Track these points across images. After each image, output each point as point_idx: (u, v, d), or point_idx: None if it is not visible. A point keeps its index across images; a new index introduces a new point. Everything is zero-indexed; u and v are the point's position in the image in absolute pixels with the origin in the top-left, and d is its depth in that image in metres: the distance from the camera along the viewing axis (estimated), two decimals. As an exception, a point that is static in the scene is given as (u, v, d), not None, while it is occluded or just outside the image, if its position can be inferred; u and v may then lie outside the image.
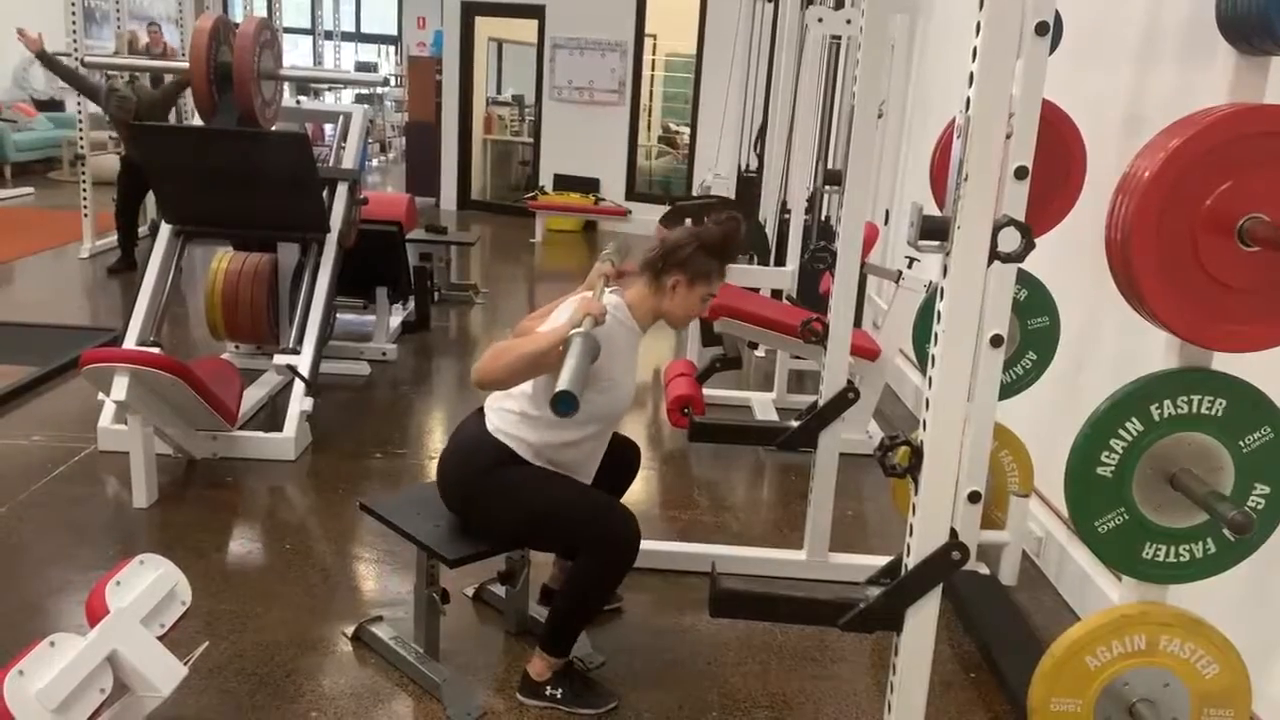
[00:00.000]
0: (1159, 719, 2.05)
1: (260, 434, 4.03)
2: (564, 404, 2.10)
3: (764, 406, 4.86)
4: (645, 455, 4.31)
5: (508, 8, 10.63)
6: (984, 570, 3.28)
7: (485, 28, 11.12)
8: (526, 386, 2.46)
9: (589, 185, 10.40)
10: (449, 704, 2.50)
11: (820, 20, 4.59)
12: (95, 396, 4.04)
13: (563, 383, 2.11)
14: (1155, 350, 2.97)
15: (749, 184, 8.65)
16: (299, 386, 4.09)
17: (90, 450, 3.96)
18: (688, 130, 11.35)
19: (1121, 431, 2.00)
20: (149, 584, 2.23)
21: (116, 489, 3.69)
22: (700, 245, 2.48)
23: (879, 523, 3.79)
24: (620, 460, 2.77)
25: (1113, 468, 2.01)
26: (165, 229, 4.36)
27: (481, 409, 2.60)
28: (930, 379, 2.03)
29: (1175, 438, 1.98)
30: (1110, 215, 1.89)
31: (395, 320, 5.75)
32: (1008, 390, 3.15)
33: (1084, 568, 3.19)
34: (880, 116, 3.02)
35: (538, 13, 10.38)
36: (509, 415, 2.49)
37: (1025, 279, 3.09)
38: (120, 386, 3.32)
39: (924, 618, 2.10)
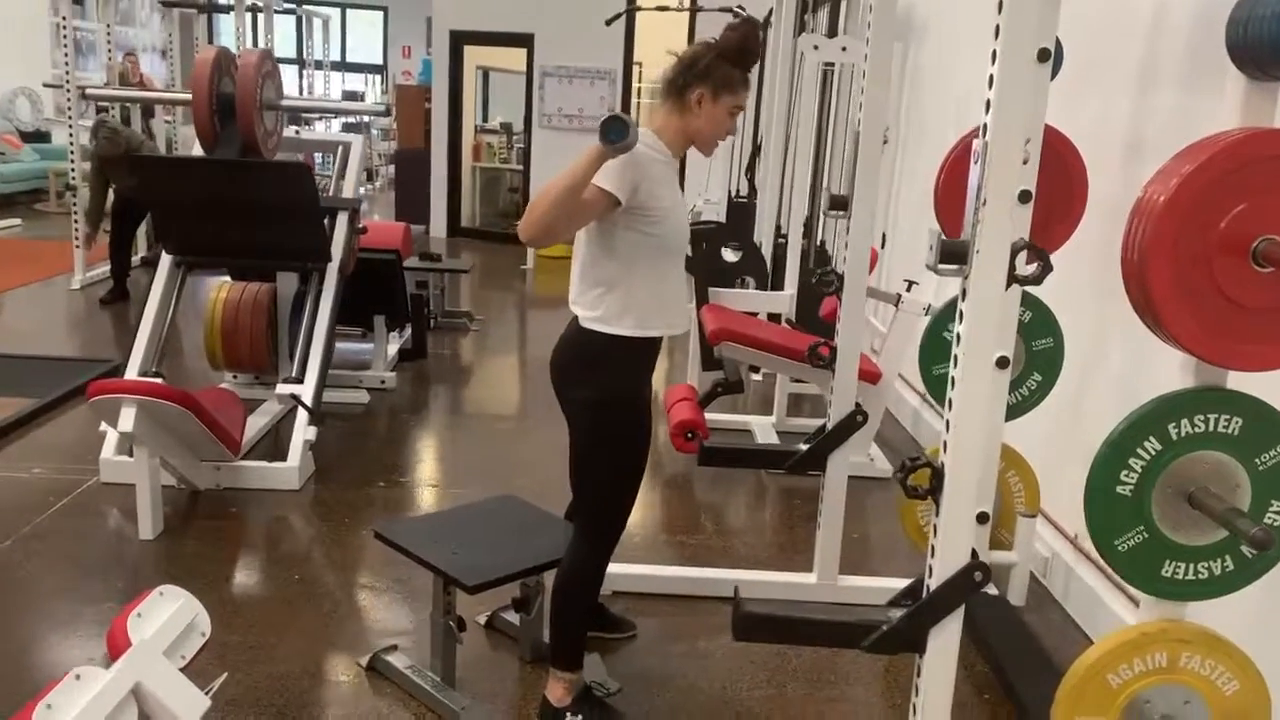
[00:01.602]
0: (1180, 736, 2.07)
1: (264, 464, 4.02)
2: (614, 126, 2.05)
3: (764, 430, 4.88)
4: (648, 480, 4.33)
5: (496, 36, 10.70)
6: (993, 591, 3.30)
7: (473, 56, 11.19)
8: (586, 258, 2.36)
9: (579, 212, 10.43)
10: (468, 733, 2.49)
11: (815, 48, 4.65)
12: (95, 428, 4.02)
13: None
14: (1160, 370, 3.00)
15: (741, 209, 8.73)
16: (302, 415, 4.09)
17: (92, 482, 3.94)
18: (675, 157, 11.44)
19: (1140, 451, 2.02)
20: (169, 616, 2.22)
21: (121, 521, 3.67)
22: (719, 53, 2.37)
23: (885, 545, 3.81)
24: None
25: (1132, 486, 2.03)
26: (165, 259, 4.36)
27: (572, 319, 2.47)
28: (950, 401, 2.06)
29: (1193, 456, 2.01)
30: (1126, 238, 1.93)
31: (393, 348, 5.75)
32: (1014, 411, 3.18)
33: (1092, 587, 3.21)
34: (885, 143, 3.05)
35: (526, 41, 10.45)
36: (587, 297, 2.38)
37: (1030, 301, 3.12)
38: (127, 418, 3.31)
39: (946, 639, 2.12)
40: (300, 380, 4.16)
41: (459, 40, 10.79)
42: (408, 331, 6.04)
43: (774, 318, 5.01)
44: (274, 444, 4.41)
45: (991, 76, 1.91)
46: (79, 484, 3.92)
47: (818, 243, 5.51)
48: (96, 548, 3.50)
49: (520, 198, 11.26)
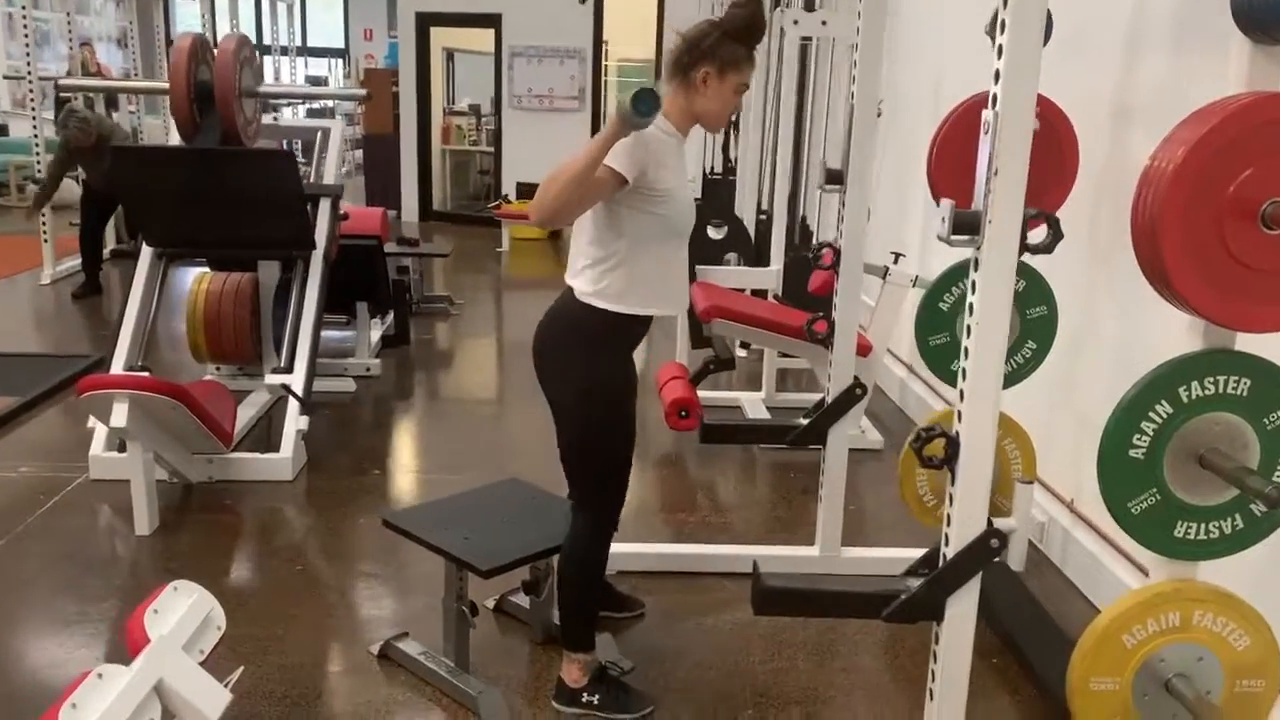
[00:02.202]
0: (1194, 692, 2.11)
1: (257, 455, 3.98)
2: (644, 100, 2.02)
3: (754, 406, 4.89)
4: (642, 460, 4.34)
5: (464, 17, 10.60)
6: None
7: (439, 38, 11.08)
8: (589, 233, 2.35)
9: (552, 193, 10.38)
10: (486, 716, 2.49)
11: (795, 23, 4.64)
12: (80, 425, 3.98)
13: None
14: (1152, 334, 3.05)
15: (717, 186, 8.73)
16: (293, 405, 4.05)
17: (82, 479, 3.89)
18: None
19: (1152, 414, 2.04)
20: (186, 610, 2.21)
21: (114, 517, 3.63)
22: (724, 32, 2.35)
23: (882, 516, 3.84)
24: None
25: (1144, 450, 2.06)
26: (146, 252, 4.30)
27: (565, 291, 2.45)
28: (964, 370, 2.07)
29: (1204, 418, 2.03)
30: (1136, 205, 1.94)
31: (375, 335, 5.71)
32: (1010, 379, 3.20)
33: (1091, 550, 3.26)
34: (879, 115, 3.06)
35: (494, 22, 10.36)
36: (588, 273, 2.37)
37: (1024, 270, 3.12)
38: (120, 413, 3.27)
39: (964, 606, 2.15)
40: (290, 370, 4.12)
41: (425, 22, 10.68)
42: (389, 318, 6.00)
43: (758, 293, 5.02)
44: (264, 435, 4.38)
45: (1001, 47, 1.92)
46: (68, 481, 3.87)
47: (800, 218, 5.53)
48: (93, 545, 3.46)
49: (492, 180, 11.17)
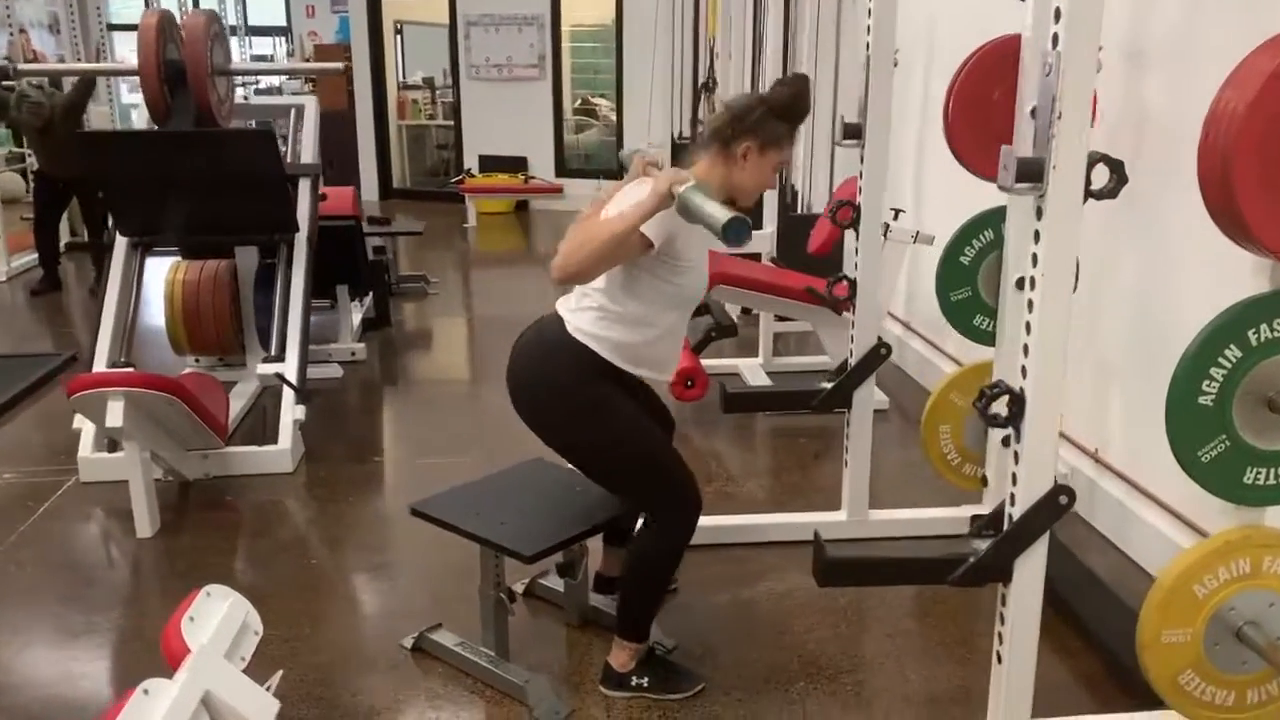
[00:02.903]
0: (1265, 639, 2.08)
1: (254, 448, 3.84)
2: (736, 229, 2.02)
3: (753, 371, 4.82)
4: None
5: (416, -13, 10.33)
6: (1020, 512, 3.30)
7: (390, 10, 10.80)
8: (600, 283, 2.33)
9: (516, 165, 10.21)
10: (535, 705, 2.41)
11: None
12: (62, 426, 3.81)
13: (722, 214, 2.03)
14: (1174, 282, 3.01)
15: (685, 151, 8.60)
16: (288, 395, 3.91)
17: (72, 483, 3.73)
18: (604, 101, 11.20)
19: (1221, 360, 1.99)
20: (223, 616, 2.10)
21: (111, 521, 3.48)
22: (769, 109, 2.34)
23: (898, 477, 3.78)
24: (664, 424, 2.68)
25: (1213, 396, 2.01)
26: (121, 242, 4.11)
27: (553, 316, 2.45)
28: (1029, 324, 2.01)
29: (1273, 360, 1.99)
30: (1205, 145, 1.87)
31: (356, 318, 5.56)
32: (1032, 331, 3.15)
33: (1119, 499, 3.24)
34: (895, 65, 2.97)
35: (448, -10, 10.12)
36: (589, 314, 2.35)
37: (1044, 219, 3.08)
38: (115, 412, 3.12)
39: (1033, 566, 2.09)
40: (282, 358, 3.98)
41: (376, -6, 10.40)
42: (368, 300, 5.84)
43: (750, 257, 4.93)
44: (256, 427, 4.23)
45: (1062, -16, 1.83)
46: (57, 486, 3.70)
47: (787, 179, 5.44)
48: (93, 551, 3.32)
49: (452, 155, 10.94)
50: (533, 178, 10.20)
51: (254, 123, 4.96)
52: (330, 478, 3.83)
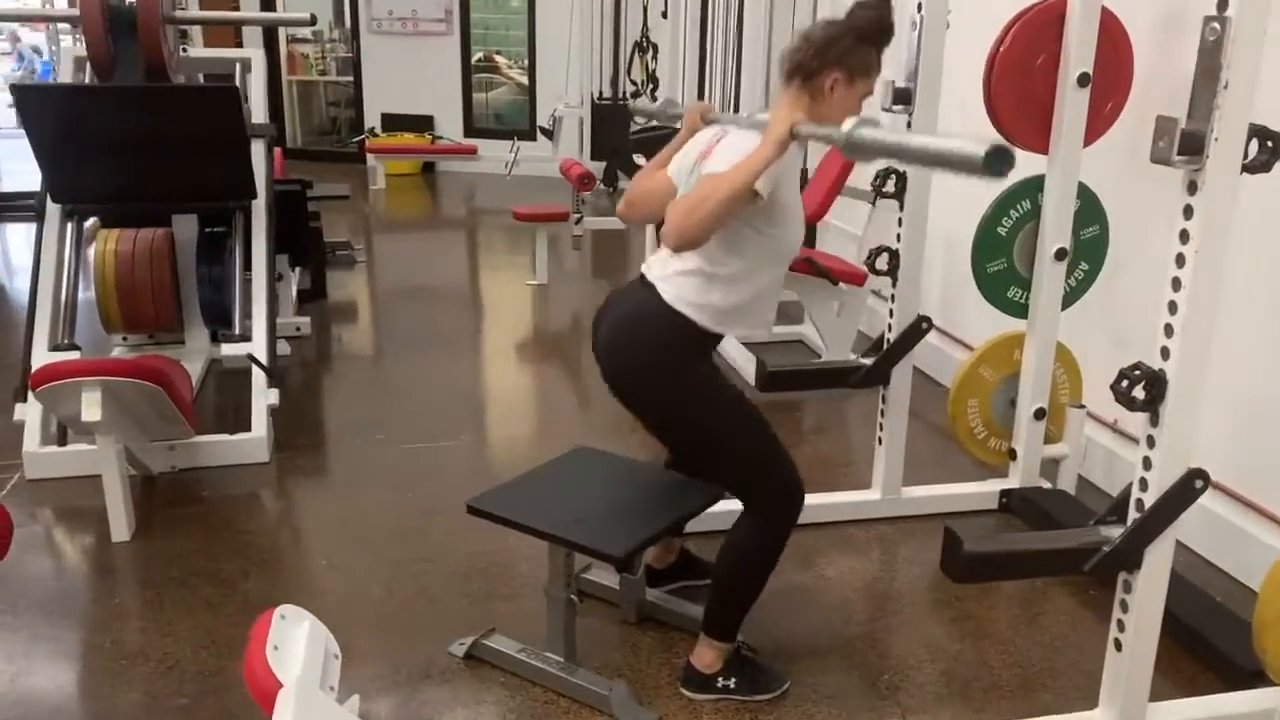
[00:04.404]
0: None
1: (225, 437, 3.51)
2: (999, 159, 1.55)
3: (737, 348, 4.67)
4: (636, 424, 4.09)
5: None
6: (1046, 485, 3.29)
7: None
8: (695, 259, 2.17)
9: (423, 124, 9.79)
10: (621, 716, 2.24)
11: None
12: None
13: (972, 145, 1.58)
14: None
15: (613, 112, 8.40)
16: (259, 377, 3.59)
17: (15, 480, 3.34)
18: (501, 59, 10.78)
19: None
20: (306, 642, 1.85)
21: (75, 522, 3.13)
22: (858, 34, 2.17)
23: (915, 451, 3.68)
24: None
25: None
26: (53, 210, 3.68)
27: (642, 281, 2.26)
28: (1175, 303, 1.93)
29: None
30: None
31: (293, 290, 5.19)
32: (1063, 302, 3.12)
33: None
34: (948, 27, 2.86)
35: (346, -63, 9.56)
36: (689, 280, 2.17)
37: (1080, 189, 3.03)
38: (93, 403, 2.77)
39: (1162, 553, 2.03)
40: (248, 338, 3.64)
41: (264, -63, 9.74)
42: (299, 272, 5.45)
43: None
44: (214, 413, 3.89)
45: (1230, -54, 1.74)
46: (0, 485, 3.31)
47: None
48: (67, 560, 2.97)
49: (354, 113, 10.40)
50: (440, 138, 9.79)
51: (201, 77, 4.50)
52: (311, 467, 3.55)
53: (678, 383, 2.20)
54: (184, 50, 4.05)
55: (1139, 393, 1.96)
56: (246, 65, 4.25)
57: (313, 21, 4.32)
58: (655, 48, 7.68)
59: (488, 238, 7.89)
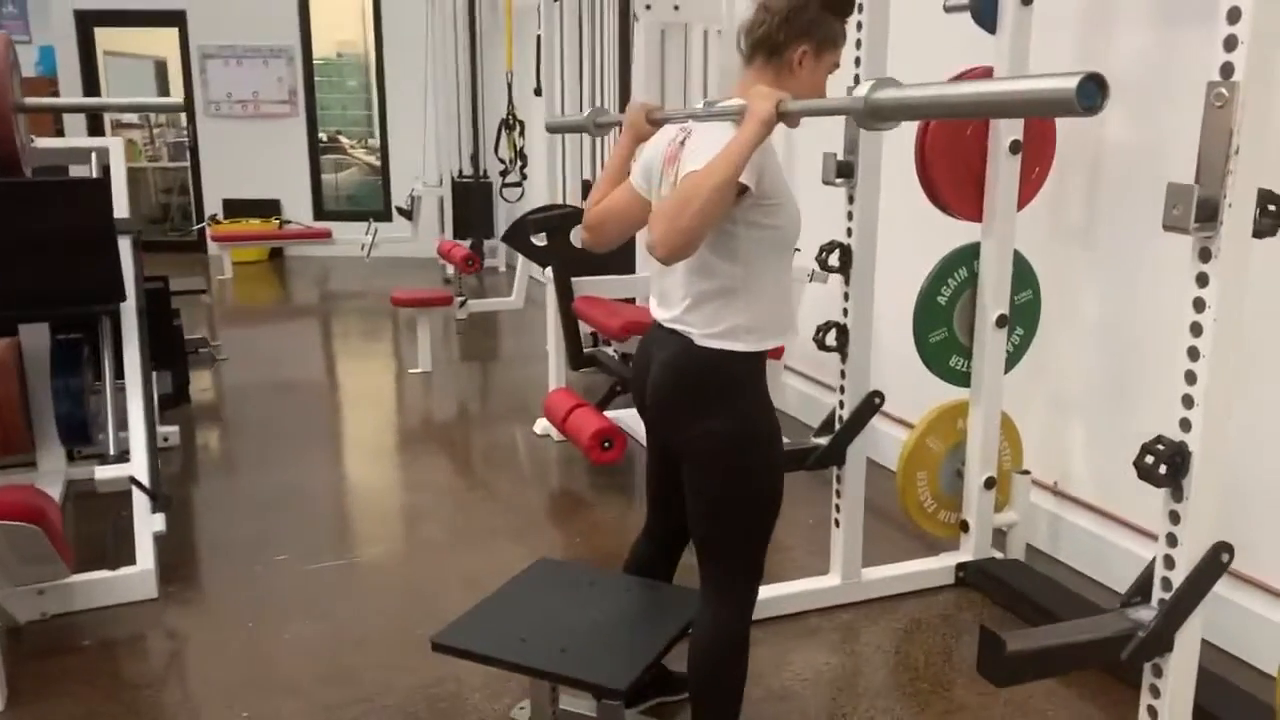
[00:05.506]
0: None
1: (104, 574, 3.07)
2: (1095, 87, 1.36)
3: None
4: (562, 507, 3.84)
5: (137, 15, 9.18)
6: (999, 555, 3.22)
7: (105, 40, 9.57)
8: (694, 268, 1.97)
9: (269, 208, 9.33)
10: None
11: (649, 8, 4.29)
12: None
13: (1050, 79, 1.40)
14: (1136, 313, 3.03)
15: (475, 190, 8.21)
16: (140, 502, 3.18)
17: None
18: (345, 139, 10.44)
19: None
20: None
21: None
22: (823, 4, 2.02)
23: (818, 531, 3.56)
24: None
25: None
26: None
27: (670, 337, 2.03)
28: (1194, 373, 1.86)
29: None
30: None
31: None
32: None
33: (1085, 527, 3.23)
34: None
35: (177, 19, 9.09)
36: (701, 308, 1.98)
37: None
38: (-41, 555, 2.35)
39: (1192, 632, 1.95)
40: (125, 458, 3.23)
41: (88, 21, 9.17)
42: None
43: (630, 301, 4.65)
44: (85, 544, 3.42)
45: (1235, 9, 1.71)
46: None
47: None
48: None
49: (189, 200, 9.83)
50: (288, 222, 9.35)
51: (29, 170, 4.05)
52: (208, 600, 3.15)
53: (721, 420, 1.98)
54: (30, 141, 3.63)
55: (1163, 468, 1.88)
56: (103, 155, 3.86)
57: (183, 107, 3.96)
58: (522, 125, 7.55)
59: (354, 324, 7.51)
